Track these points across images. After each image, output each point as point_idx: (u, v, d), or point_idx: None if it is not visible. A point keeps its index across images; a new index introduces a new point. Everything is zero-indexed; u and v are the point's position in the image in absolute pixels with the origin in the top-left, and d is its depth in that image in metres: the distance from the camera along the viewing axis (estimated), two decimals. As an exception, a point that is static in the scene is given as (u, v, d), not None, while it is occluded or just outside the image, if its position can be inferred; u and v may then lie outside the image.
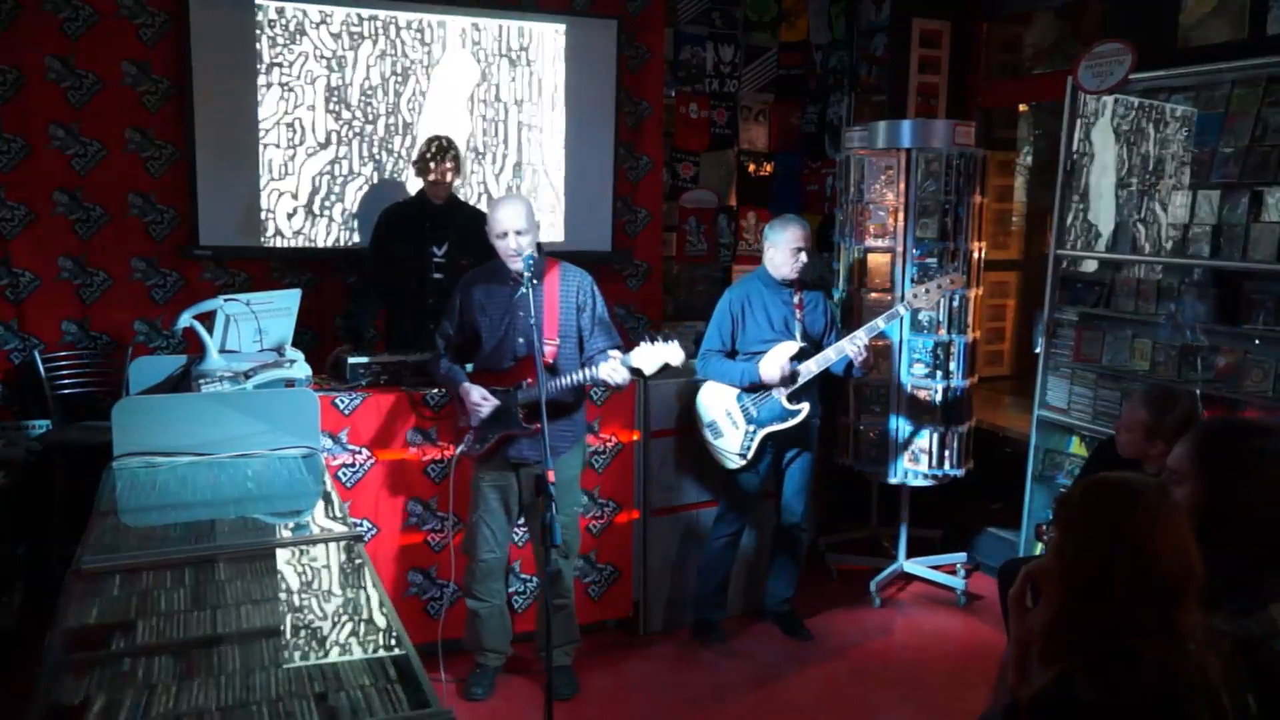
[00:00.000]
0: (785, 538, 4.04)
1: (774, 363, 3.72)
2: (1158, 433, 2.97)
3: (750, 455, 3.83)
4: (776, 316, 3.82)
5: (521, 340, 3.32)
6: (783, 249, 3.78)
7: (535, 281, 3.11)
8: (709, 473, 4.05)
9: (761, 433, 3.80)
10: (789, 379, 3.73)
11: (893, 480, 4.45)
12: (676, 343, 3.27)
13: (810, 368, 3.74)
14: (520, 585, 3.82)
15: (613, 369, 3.23)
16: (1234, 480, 1.90)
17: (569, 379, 3.30)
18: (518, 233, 3.24)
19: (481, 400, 3.31)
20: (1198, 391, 3.49)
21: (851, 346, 3.69)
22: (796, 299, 3.83)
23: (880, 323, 3.75)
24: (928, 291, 3.79)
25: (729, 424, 3.84)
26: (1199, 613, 1.56)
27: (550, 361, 3.32)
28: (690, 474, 4.08)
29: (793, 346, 3.75)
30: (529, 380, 3.29)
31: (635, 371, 3.27)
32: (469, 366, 3.48)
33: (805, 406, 3.77)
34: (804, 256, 3.78)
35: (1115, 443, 3.18)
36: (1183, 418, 2.99)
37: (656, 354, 3.23)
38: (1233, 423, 2.19)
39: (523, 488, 3.43)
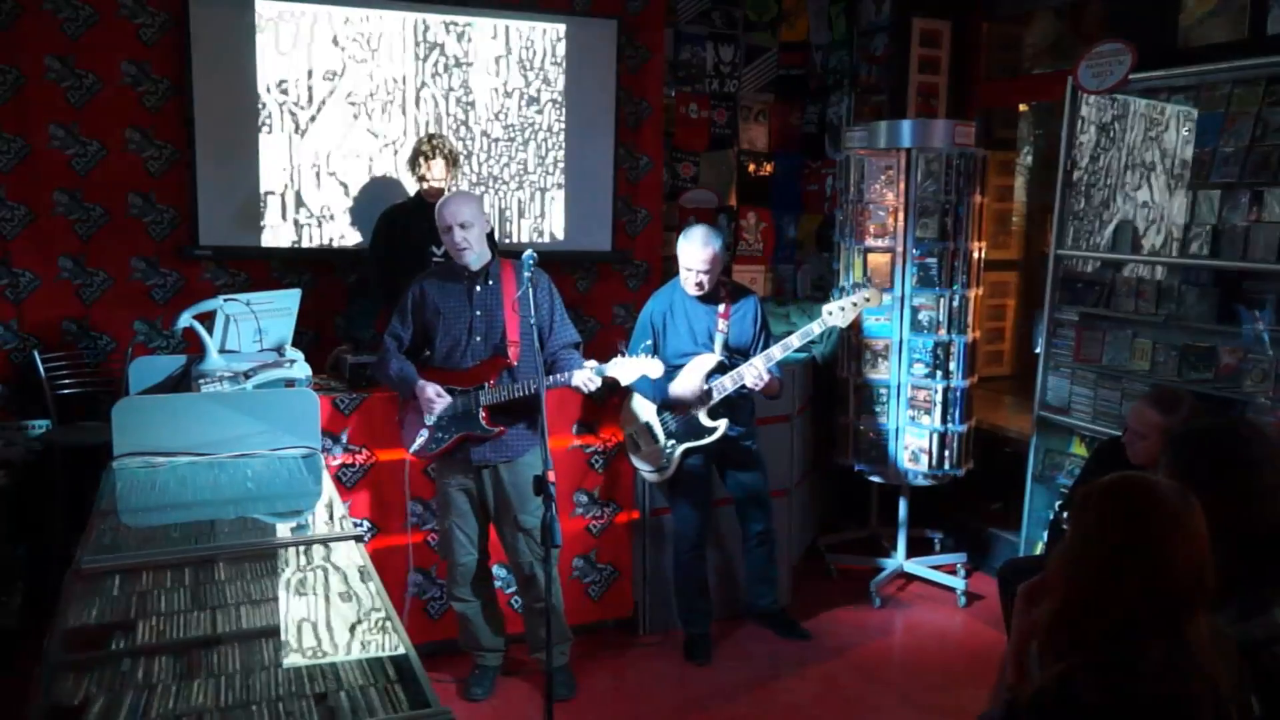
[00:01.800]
0: (753, 545, 3.95)
1: (686, 382, 3.60)
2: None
3: (670, 469, 3.72)
4: (699, 328, 3.69)
5: (480, 339, 3.30)
6: (681, 269, 3.67)
7: (530, 282, 3.08)
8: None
9: (681, 447, 3.69)
10: (702, 398, 3.61)
11: (892, 480, 4.45)
12: (657, 358, 3.31)
13: (724, 385, 3.60)
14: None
15: (587, 378, 3.27)
16: (1214, 487, 1.88)
17: (529, 384, 3.26)
18: (462, 225, 3.22)
19: (435, 397, 3.24)
20: (1273, 400, 3.43)
21: (750, 374, 3.55)
22: (722, 308, 3.68)
23: (794, 340, 3.62)
24: (843, 309, 3.65)
25: (649, 437, 3.75)
26: (1208, 618, 1.55)
27: (514, 364, 3.31)
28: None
29: (710, 360, 3.62)
30: (490, 382, 3.28)
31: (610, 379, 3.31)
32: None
33: (723, 423, 3.63)
34: (694, 278, 3.60)
35: (1129, 453, 3.13)
36: (1190, 414, 3.01)
37: (633, 366, 3.28)
38: (1203, 430, 2.16)
39: (488, 489, 3.41)
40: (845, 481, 4.81)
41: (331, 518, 2.45)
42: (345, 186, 4.74)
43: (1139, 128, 3.97)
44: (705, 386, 3.60)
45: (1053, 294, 4.17)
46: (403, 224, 4.20)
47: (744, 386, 3.61)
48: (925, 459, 4.37)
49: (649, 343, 3.66)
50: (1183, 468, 1.92)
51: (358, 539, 2.25)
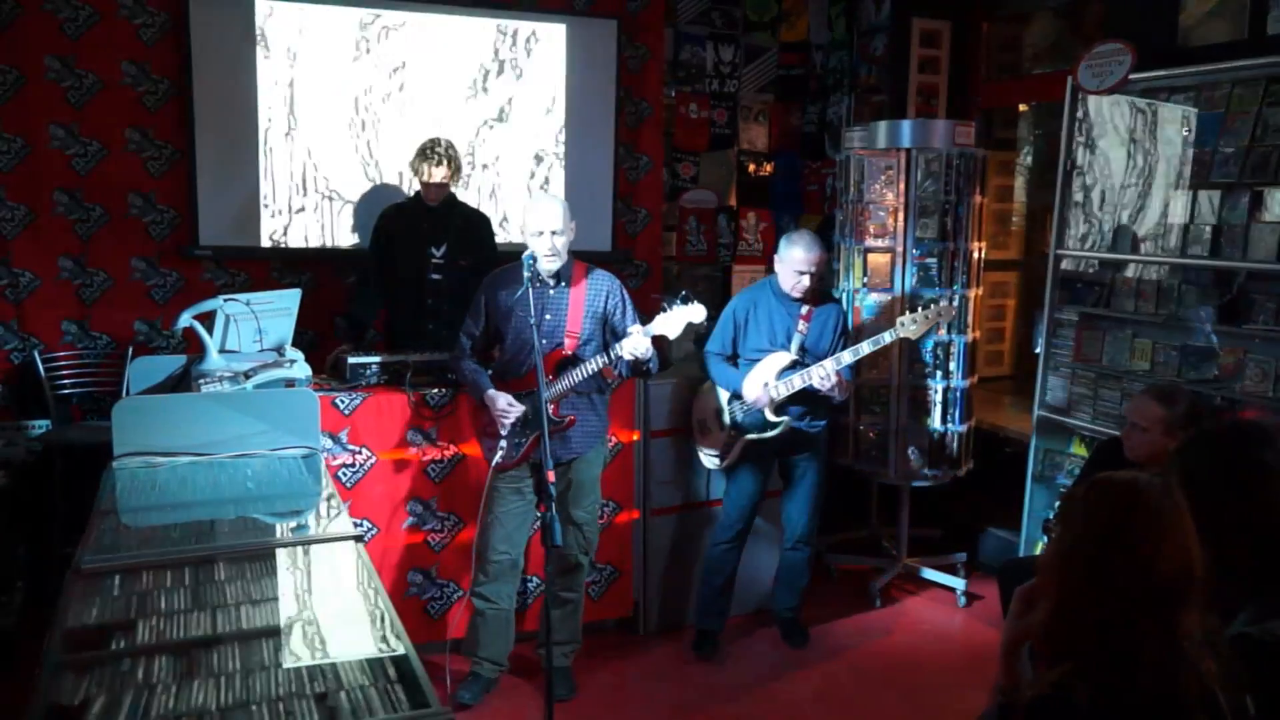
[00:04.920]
0: (790, 550, 4.00)
1: (756, 382, 3.70)
2: (1175, 425, 2.99)
3: (730, 458, 3.81)
4: (779, 327, 3.77)
5: (544, 341, 3.29)
6: (786, 267, 3.72)
7: (535, 282, 3.11)
8: (710, 473, 4.05)
9: (743, 439, 3.77)
10: (769, 402, 3.69)
11: (892, 480, 4.44)
12: (696, 302, 3.28)
13: (793, 383, 3.65)
14: (521, 585, 3.81)
15: (634, 343, 3.23)
16: (1226, 490, 1.87)
17: (591, 365, 3.29)
18: (553, 232, 3.25)
19: (507, 407, 3.28)
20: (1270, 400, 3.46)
21: (818, 373, 3.61)
22: (804, 310, 3.74)
23: (865, 347, 3.68)
24: (916, 322, 3.69)
25: (715, 425, 3.84)
26: (1199, 616, 1.54)
27: (568, 354, 3.32)
28: (690, 474, 4.08)
29: (784, 358, 3.70)
30: (550, 376, 3.28)
31: (658, 340, 3.30)
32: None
33: (786, 420, 3.71)
34: (807, 280, 3.69)
35: (1126, 448, 3.16)
36: (1190, 407, 3.05)
37: (677, 317, 3.26)
38: (1214, 433, 2.15)
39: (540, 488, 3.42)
40: (845, 481, 4.80)
41: (331, 518, 2.45)
42: (345, 186, 4.74)
43: (1139, 128, 3.96)
44: (769, 395, 3.68)
45: (1053, 294, 4.17)
46: (402, 223, 4.20)
47: (811, 386, 3.65)
48: (925, 459, 4.36)
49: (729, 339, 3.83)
50: (1193, 472, 1.91)
51: (358, 539, 2.25)
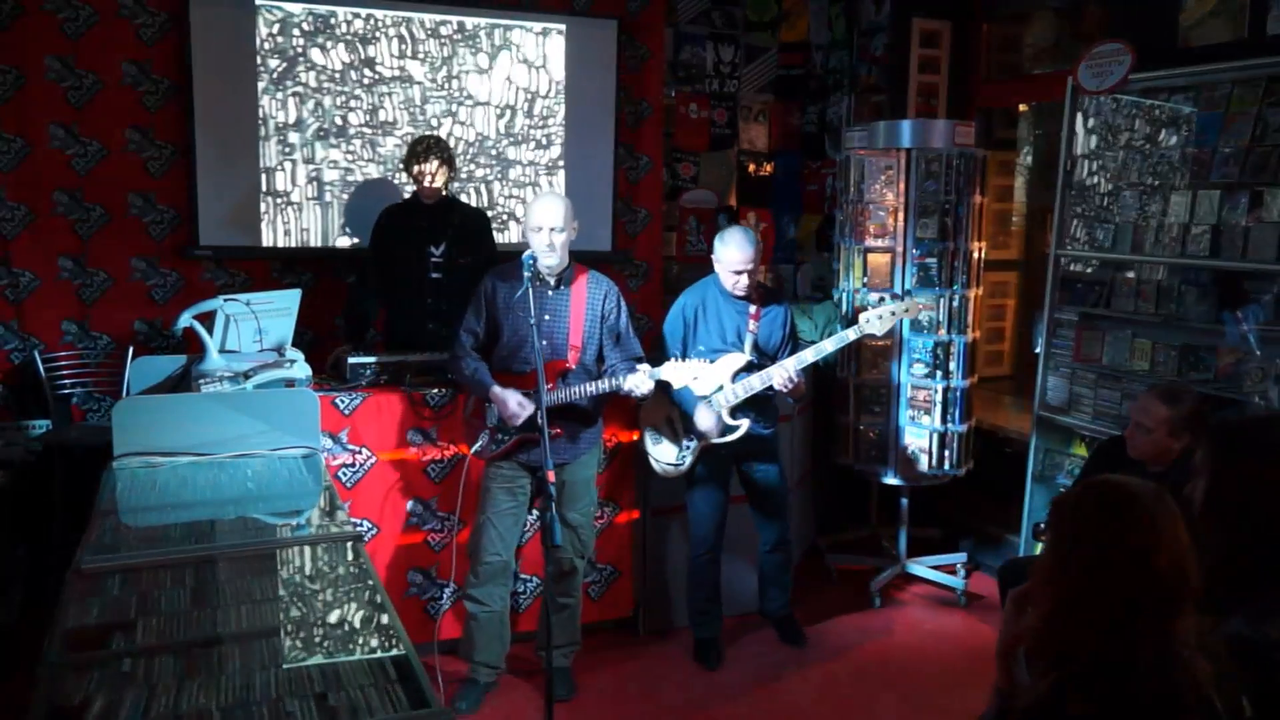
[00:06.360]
0: (767, 550, 3.97)
1: (712, 384, 3.59)
2: (1180, 425, 3.00)
3: (685, 466, 3.74)
4: (729, 326, 3.70)
5: (544, 342, 3.28)
6: (723, 268, 3.65)
7: (535, 281, 3.11)
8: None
9: (697, 445, 3.71)
10: (719, 433, 3.63)
11: (892, 480, 4.45)
12: (709, 362, 3.31)
13: (752, 384, 3.60)
14: (520, 585, 3.82)
15: (639, 381, 3.26)
16: (1253, 475, 1.84)
17: (593, 387, 3.30)
18: (552, 229, 3.26)
19: (519, 408, 3.26)
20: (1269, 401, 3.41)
21: (780, 376, 3.56)
22: (752, 310, 3.69)
23: (828, 345, 3.64)
24: (881, 318, 3.64)
25: (669, 432, 3.76)
26: (1194, 619, 1.54)
27: (571, 367, 3.32)
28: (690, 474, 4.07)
29: (740, 359, 3.63)
30: (550, 385, 3.28)
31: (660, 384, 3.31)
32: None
33: (745, 423, 3.63)
34: (745, 280, 3.61)
35: (1130, 447, 3.16)
36: (1193, 407, 3.05)
37: (685, 371, 3.27)
38: (1247, 423, 2.15)
39: (536, 490, 3.41)
40: (845, 481, 4.81)
41: (331, 518, 2.46)
42: (345, 186, 4.74)
43: (1139, 128, 3.96)
44: (720, 425, 3.63)
45: (1053, 294, 4.18)
46: (401, 223, 4.20)
47: (771, 387, 3.62)
48: (925, 459, 4.37)
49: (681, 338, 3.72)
50: (1225, 459, 1.87)
51: (358, 539, 2.25)
